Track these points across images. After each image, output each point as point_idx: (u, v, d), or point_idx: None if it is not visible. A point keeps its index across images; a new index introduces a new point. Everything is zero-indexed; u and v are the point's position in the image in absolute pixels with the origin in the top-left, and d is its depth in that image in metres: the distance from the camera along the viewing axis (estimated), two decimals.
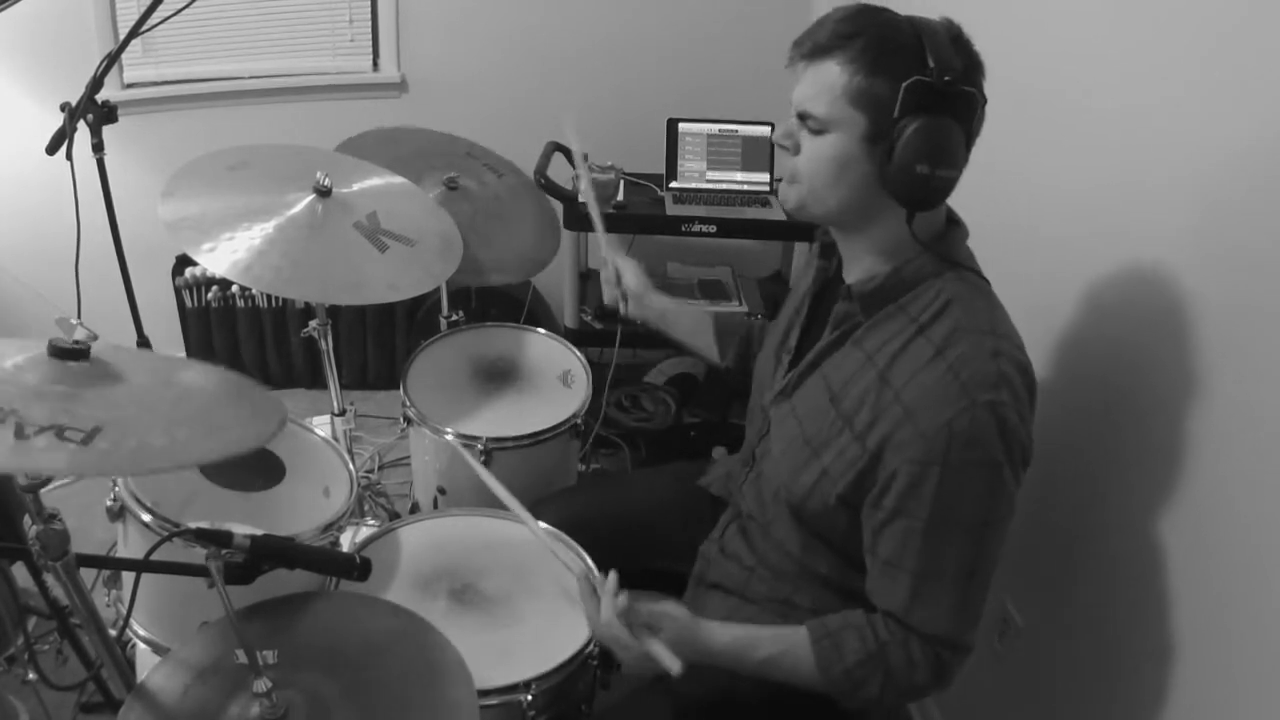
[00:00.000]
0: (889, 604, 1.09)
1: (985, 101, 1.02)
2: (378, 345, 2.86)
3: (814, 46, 1.02)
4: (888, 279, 1.09)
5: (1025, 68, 1.57)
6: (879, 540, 1.09)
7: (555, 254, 1.93)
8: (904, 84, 0.97)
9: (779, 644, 1.13)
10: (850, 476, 1.09)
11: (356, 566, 1.14)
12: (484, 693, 1.15)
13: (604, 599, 1.16)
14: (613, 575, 1.17)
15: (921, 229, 1.07)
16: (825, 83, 1.01)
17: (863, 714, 1.27)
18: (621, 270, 1.56)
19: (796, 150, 1.08)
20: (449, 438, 1.67)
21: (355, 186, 1.63)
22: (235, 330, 2.79)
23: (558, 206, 2.21)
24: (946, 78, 0.97)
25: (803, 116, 1.05)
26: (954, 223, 1.14)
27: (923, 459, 1.02)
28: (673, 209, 2.40)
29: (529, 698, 1.19)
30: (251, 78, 2.63)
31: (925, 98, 0.97)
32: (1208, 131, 1.14)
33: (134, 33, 1.65)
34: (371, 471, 2.51)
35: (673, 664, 1.10)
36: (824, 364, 1.17)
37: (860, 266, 1.14)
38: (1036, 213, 1.53)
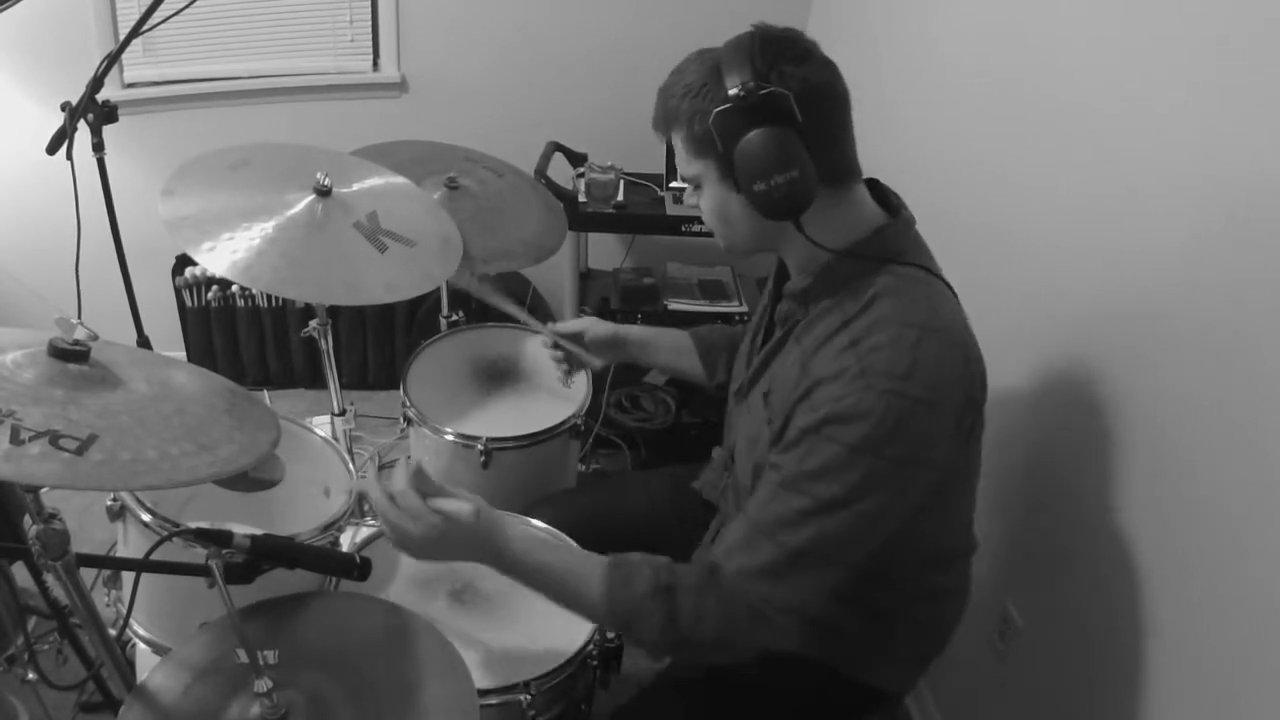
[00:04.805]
0: (718, 548, 1.09)
1: (810, 75, 1.01)
2: (377, 345, 2.86)
3: (659, 125, 1.12)
4: (817, 278, 1.12)
5: (1026, 71, 1.57)
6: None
7: (563, 240, 1.93)
8: (709, 121, 1.01)
9: (573, 556, 1.16)
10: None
11: (356, 566, 1.14)
12: (484, 693, 1.15)
13: (401, 477, 1.11)
14: (413, 460, 1.15)
15: (838, 229, 1.08)
16: (678, 149, 1.11)
17: (865, 710, 1.29)
18: (579, 329, 1.58)
19: (698, 206, 1.15)
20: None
21: (355, 186, 1.63)
22: (235, 330, 2.79)
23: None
24: (740, 93, 0.99)
25: (685, 180, 1.15)
26: (895, 213, 1.14)
27: (804, 426, 1.03)
28: (673, 209, 2.40)
29: (529, 698, 1.19)
30: (251, 78, 2.62)
31: (732, 121, 1.01)
32: (1208, 138, 1.14)
33: (134, 33, 1.65)
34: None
35: (464, 508, 1.08)
36: (772, 363, 1.19)
37: (797, 272, 1.17)
38: (1033, 217, 1.53)
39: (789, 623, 1.06)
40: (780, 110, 0.99)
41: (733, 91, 0.99)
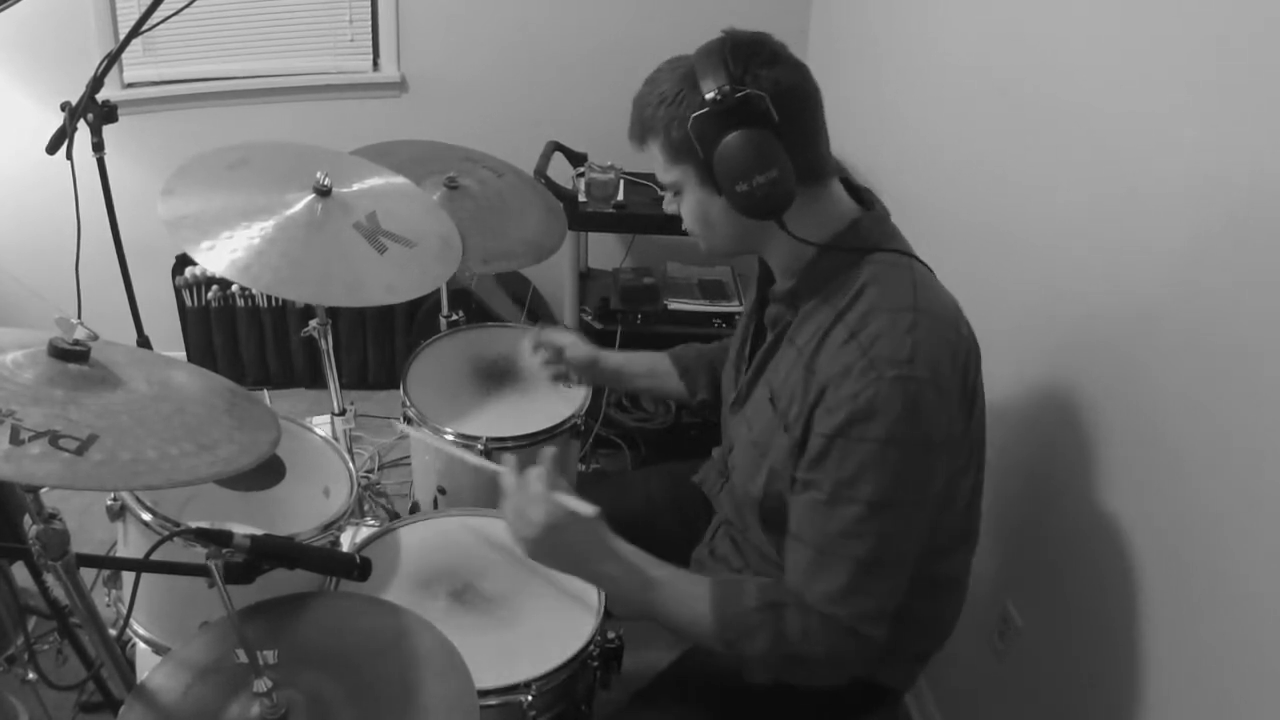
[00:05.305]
0: (792, 578, 1.09)
1: (782, 76, 1.02)
2: (377, 345, 2.86)
3: (635, 135, 1.12)
4: (801, 277, 1.13)
5: (1026, 71, 1.57)
6: (791, 513, 1.10)
7: (563, 240, 1.93)
8: (688, 126, 1.02)
9: (680, 572, 1.15)
10: (791, 468, 1.11)
11: (356, 566, 1.14)
12: (484, 693, 1.15)
13: (540, 467, 1.15)
14: (549, 449, 1.19)
15: (818, 225, 1.10)
16: (656, 158, 1.11)
17: (866, 708, 1.29)
18: (561, 344, 1.58)
19: (677, 214, 1.16)
20: (403, 427, 1.67)
21: (355, 186, 1.63)
22: (235, 330, 2.79)
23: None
24: (716, 97, 1.00)
25: (664, 188, 1.15)
26: (868, 206, 1.15)
27: (828, 432, 1.03)
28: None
29: (529, 698, 1.19)
30: (251, 78, 2.63)
31: (710, 126, 1.02)
32: (1208, 138, 1.14)
33: (134, 32, 1.65)
34: (371, 471, 2.51)
35: (588, 509, 1.11)
36: (767, 368, 1.20)
37: (781, 273, 1.18)
38: (1033, 217, 1.53)
39: (881, 631, 1.07)
40: (757, 112, 1.00)
41: (709, 96, 1.00)
